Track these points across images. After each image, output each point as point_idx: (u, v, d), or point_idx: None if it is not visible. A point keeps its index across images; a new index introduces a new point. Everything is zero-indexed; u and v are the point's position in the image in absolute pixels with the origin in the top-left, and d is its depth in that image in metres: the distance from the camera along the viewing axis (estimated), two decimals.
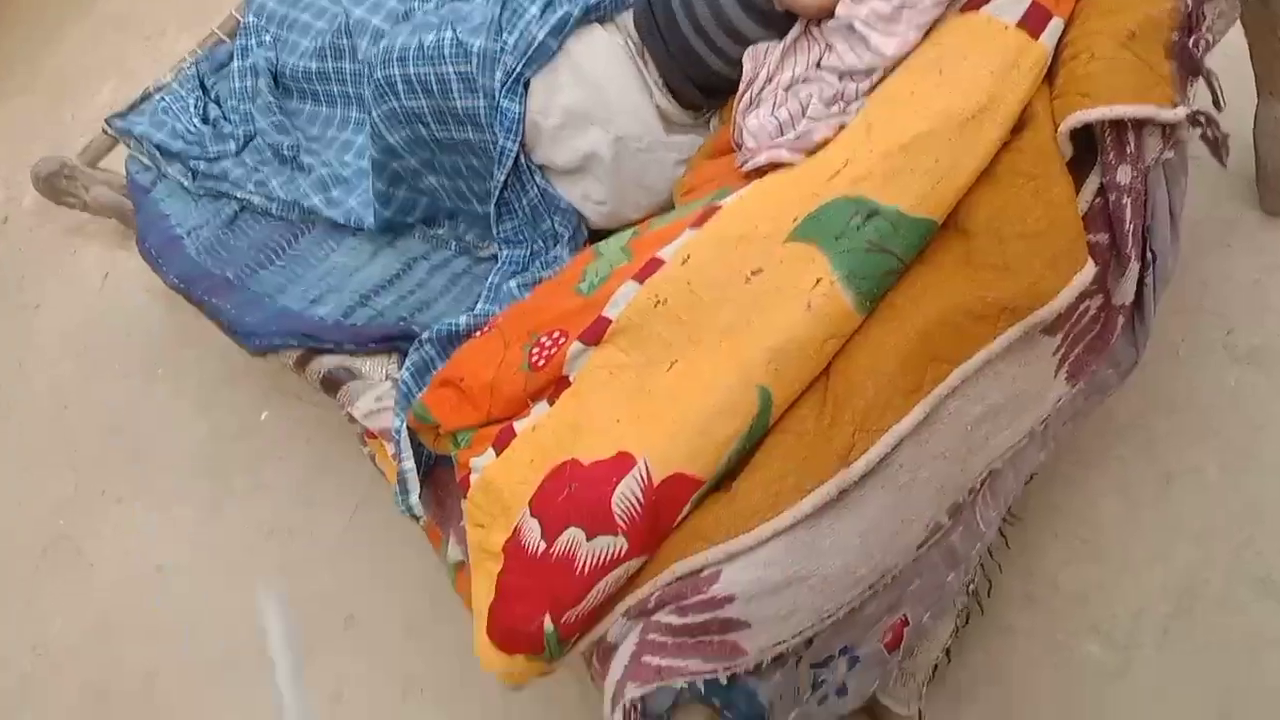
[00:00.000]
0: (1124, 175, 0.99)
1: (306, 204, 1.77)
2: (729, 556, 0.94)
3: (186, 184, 1.93)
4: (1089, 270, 0.97)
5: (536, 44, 1.27)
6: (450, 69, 1.35)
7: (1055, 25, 1.04)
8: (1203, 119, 0.99)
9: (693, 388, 0.98)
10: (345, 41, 1.82)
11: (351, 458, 1.80)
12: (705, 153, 1.27)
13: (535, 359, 1.09)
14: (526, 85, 1.29)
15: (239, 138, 1.93)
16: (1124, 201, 0.99)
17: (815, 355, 0.97)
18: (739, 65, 1.20)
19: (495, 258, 1.56)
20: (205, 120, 1.99)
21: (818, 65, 1.13)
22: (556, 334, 1.09)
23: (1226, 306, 1.40)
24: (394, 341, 1.52)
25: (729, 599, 0.92)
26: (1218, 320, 1.40)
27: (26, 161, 2.24)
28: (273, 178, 1.84)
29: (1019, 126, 1.04)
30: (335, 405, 1.50)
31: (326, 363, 1.52)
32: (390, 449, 1.26)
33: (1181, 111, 0.97)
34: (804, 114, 1.10)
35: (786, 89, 1.14)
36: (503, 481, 1.03)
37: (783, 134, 1.11)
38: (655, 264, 1.06)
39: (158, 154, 1.97)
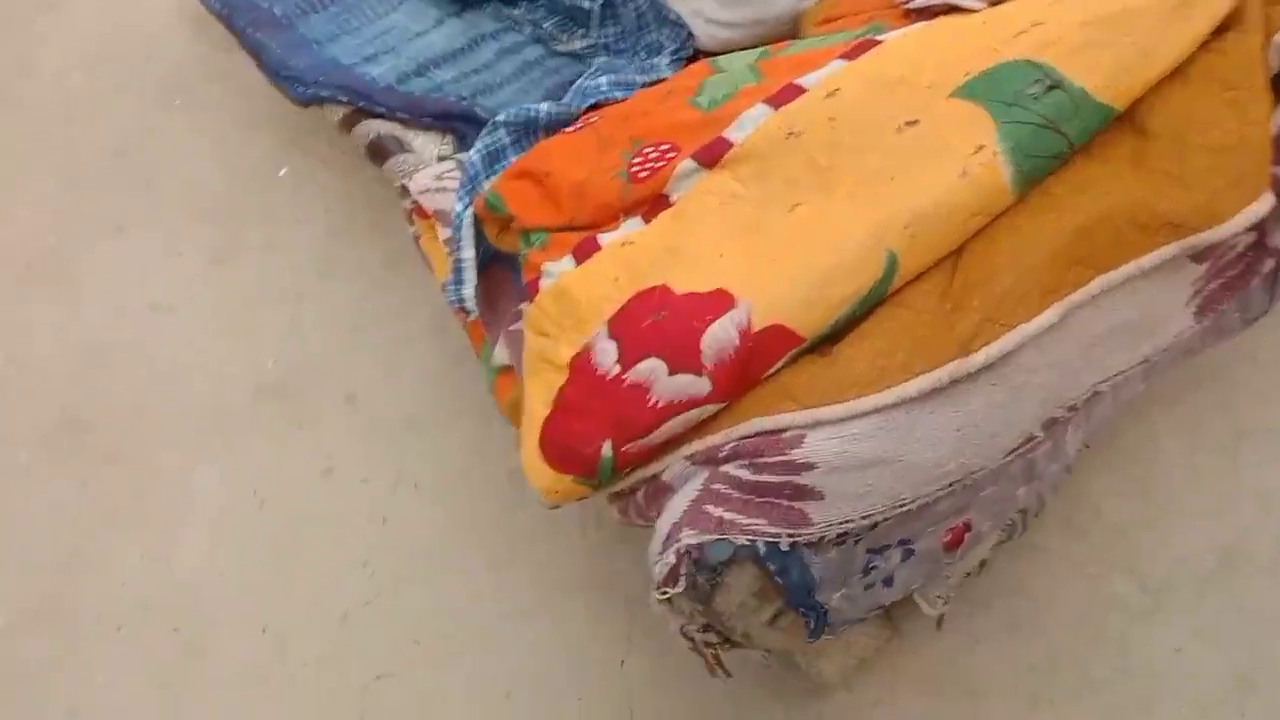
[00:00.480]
0: None
1: None
2: (816, 423, 0.87)
3: None
4: (1267, 201, 0.89)
5: None
6: None
7: None
8: None
9: (815, 236, 0.89)
10: None
11: (374, 231, 1.71)
12: None
13: (636, 169, 0.98)
14: None
15: None
16: None
17: (958, 228, 0.88)
18: None
19: (575, 56, 1.43)
20: None
21: None
22: (666, 147, 0.99)
23: None
24: (453, 120, 1.40)
25: (808, 466, 0.85)
26: None
27: None
28: None
29: (1225, 25, 0.93)
30: (362, 174, 1.39)
31: (377, 127, 1.40)
32: (444, 233, 1.16)
33: None
34: None
35: None
36: (581, 293, 0.94)
37: None
38: (794, 90, 0.95)
39: None
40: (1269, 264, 0.97)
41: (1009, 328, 0.86)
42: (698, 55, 1.29)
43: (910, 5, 1.01)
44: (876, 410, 0.86)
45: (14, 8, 2.24)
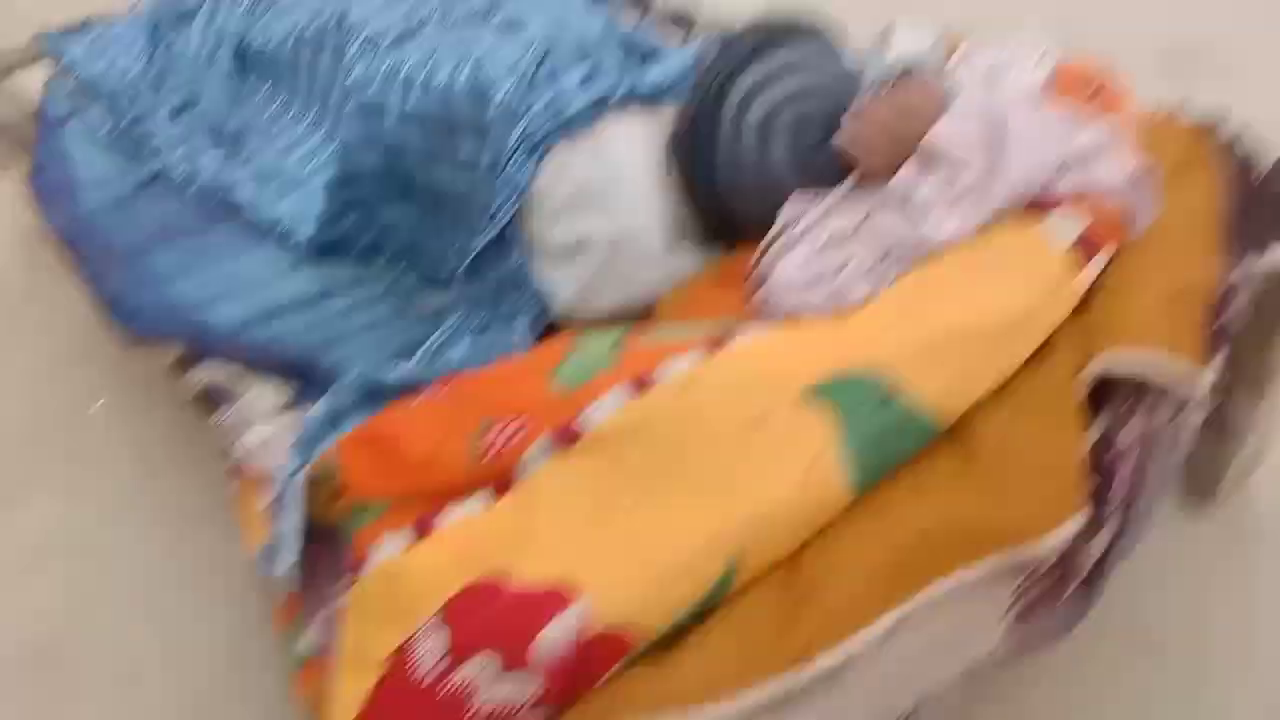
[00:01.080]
0: (1130, 433, 0.96)
1: (233, 196, 1.60)
2: None
3: (104, 131, 1.73)
4: (1079, 519, 0.93)
5: (569, 115, 1.17)
6: (463, 111, 1.24)
7: (1101, 260, 1.02)
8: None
9: (659, 533, 0.87)
10: (330, 38, 1.69)
11: (185, 479, 1.60)
12: (711, 278, 1.18)
13: (488, 446, 0.96)
14: (543, 154, 1.19)
15: (180, 99, 1.75)
16: (1122, 459, 0.96)
17: (798, 532, 0.88)
18: (767, 216, 1.13)
19: (431, 316, 1.43)
20: (148, 67, 1.80)
21: (865, 223, 1.08)
22: (519, 425, 0.97)
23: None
24: (295, 371, 1.36)
25: None
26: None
27: None
28: (203, 154, 1.68)
29: (1043, 351, 1.00)
30: (186, 413, 1.31)
31: (210, 375, 1.34)
32: (262, 500, 1.09)
33: (1209, 378, 0.95)
34: (841, 272, 1.04)
35: (826, 242, 1.07)
36: (415, 576, 0.89)
37: (814, 287, 1.04)
38: (646, 383, 0.96)
39: (84, 89, 1.78)
40: (1078, 578, 1.00)
41: (841, 640, 0.85)
42: (556, 324, 1.29)
43: (765, 312, 1.05)
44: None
45: None
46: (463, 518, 0.93)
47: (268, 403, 1.34)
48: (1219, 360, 1.00)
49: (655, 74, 1.25)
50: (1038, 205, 1.04)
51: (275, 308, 1.47)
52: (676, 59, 1.28)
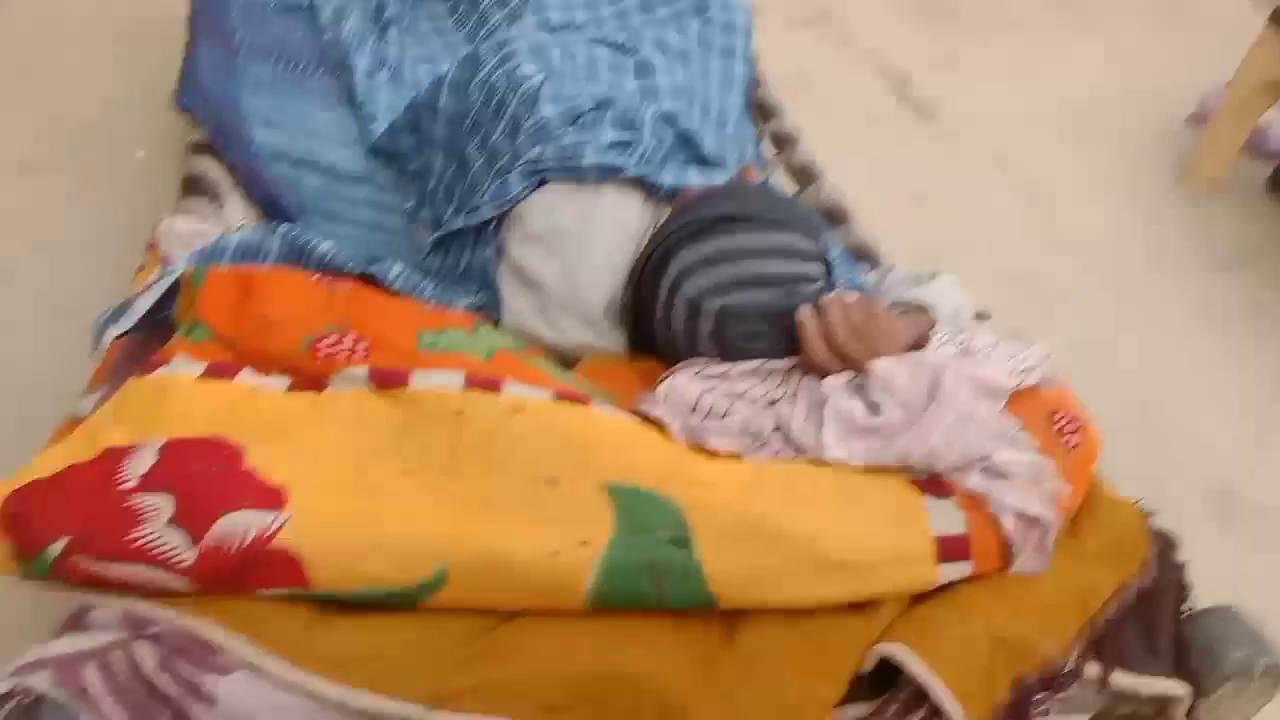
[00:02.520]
0: None
1: (352, 60, 1.66)
2: (254, 668, 0.78)
3: None
4: None
5: (578, 165, 1.20)
6: (513, 106, 1.28)
7: (960, 568, 0.97)
8: None
9: (397, 507, 0.84)
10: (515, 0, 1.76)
11: None
12: (626, 361, 1.17)
13: (320, 346, 0.95)
14: (541, 183, 1.21)
15: None
16: None
17: (520, 592, 0.84)
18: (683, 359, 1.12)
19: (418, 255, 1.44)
20: None
21: (772, 403, 1.05)
22: (361, 345, 0.96)
23: None
24: (274, 206, 1.40)
25: (210, 700, 0.76)
26: None
27: None
28: (353, 17, 1.74)
29: (856, 606, 0.95)
30: None
31: (208, 167, 1.38)
32: (152, 275, 1.10)
33: None
34: (720, 418, 1.01)
35: (725, 389, 1.05)
36: (175, 400, 0.87)
37: (692, 414, 1.02)
38: (493, 384, 0.94)
39: None
40: None
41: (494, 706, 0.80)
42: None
43: (637, 405, 1.03)
44: (323, 701, 0.78)
45: None
46: (251, 384, 0.92)
47: (238, 218, 1.38)
48: None
49: (686, 177, 1.25)
50: (936, 482, 0.99)
51: (310, 161, 1.51)
52: (717, 176, 1.28)
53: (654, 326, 1.14)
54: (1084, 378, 1.20)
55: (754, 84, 1.86)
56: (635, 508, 0.88)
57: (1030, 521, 0.99)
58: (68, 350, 1.13)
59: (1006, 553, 0.99)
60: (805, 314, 1.08)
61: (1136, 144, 2.78)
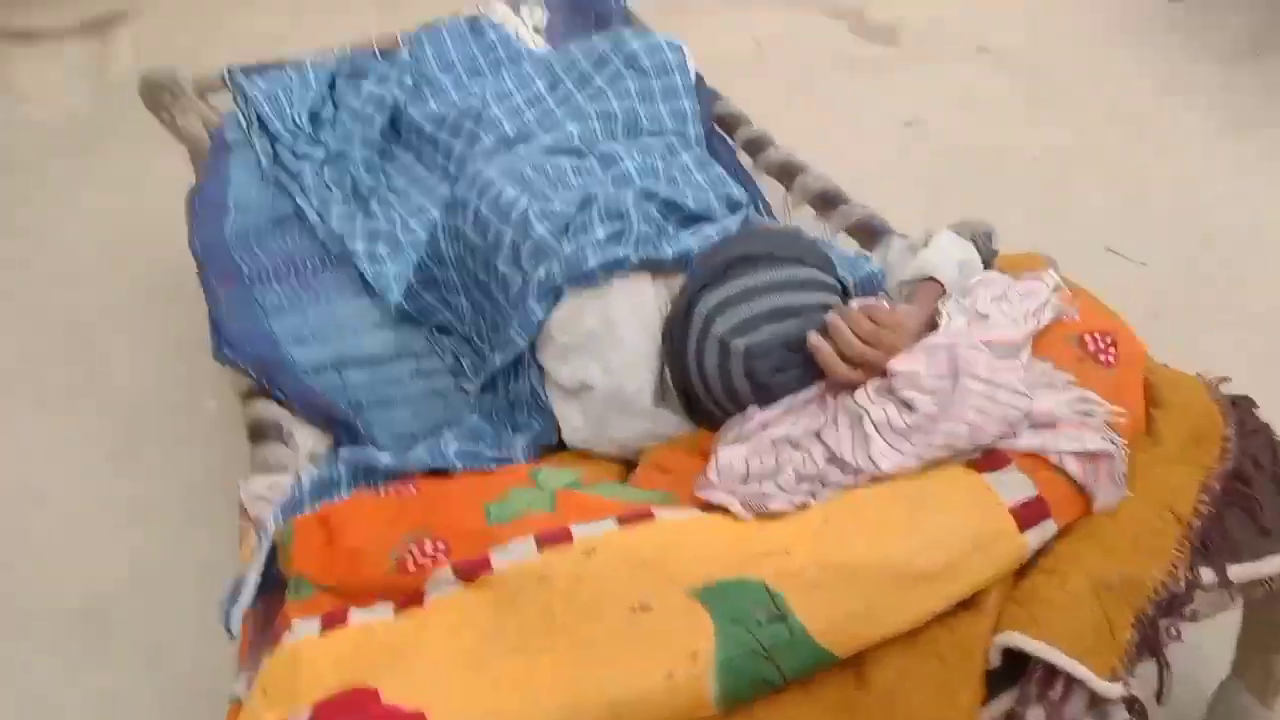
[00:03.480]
0: (1034, 717, 0.93)
1: (349, 246, 1.76)
2: None
3: (264, 163, 1.94)
4: None
5: (583, 270, 1.25)
6: (509, 234, 1.34)
7: (1046, 527, 1.00)
8: (1136, 706, 0.94)
9: (520, 689, 0.92)
10: (468, 125, 1.84)
11: None
12: (686, 444, 1.23)
13: (407, 559, 1.04)
14: (559, 295, 1.27)
15: (330, 152, 1.95)
16: None
17: None
18: (731, 412, 1.17)
19: (471, 400, 1.53)
20: (313, 118, 2.01)
21: (816, 435, 1.09)
22: (441, 546, 1.05)
23: None
24: (335, 425, 1.49)
25: None
26: None
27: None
28: (335, 204, 1.84)
29: (964, 604, 0.98)
30: None
31: (266, 410, 1.49)
32: (252, 540, 1.21)
33: (1117, 690, 0.91)
34: (775, 476, 1.06)
35: (774, 441, 1.09)
36: (306, 667, 0.97)
37: (746, 482, 1.07)
38: (564, 535, 1.02)
39: (256, 123, 1.99)
40: None
41: None
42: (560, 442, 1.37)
43: (697, 492, 1.09)
44: None
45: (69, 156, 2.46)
46: (361, 623, 1.01)
47: (309, 445, 1.48)
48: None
49: (685, 242, 1.30)
50: (992, 456, 1.02)
51: (350, 358, 1.61)
52: (716, 230, 1.33)
53: (694, 388, 1.20)
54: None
55: (710, 104, 1.91)
56: (725, 602, 0.94)
57: (1093, 456, 1.01)
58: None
59: (1084, 496, 1.01)
60: (815, 340, 1.13)
61: None
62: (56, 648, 1.60)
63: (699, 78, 1.88)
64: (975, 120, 2.51)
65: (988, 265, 1.34)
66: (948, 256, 1.26)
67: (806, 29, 2.90)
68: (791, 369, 1.15)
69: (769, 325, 1.14)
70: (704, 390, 1.19)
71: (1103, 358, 1.09)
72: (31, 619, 1.64)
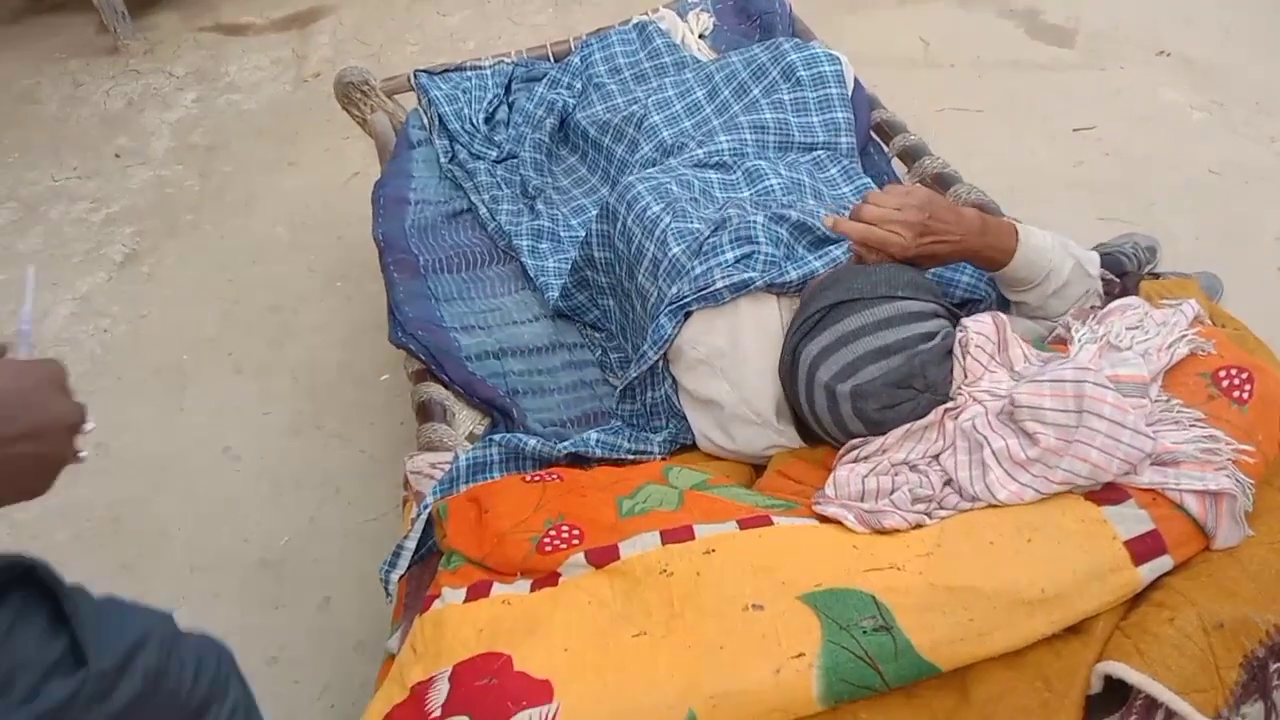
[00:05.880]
0: None
1: (515, 242, 1.89)
2: None
3: (443, 160, 2.09)
4: None
5: (711, 290, 1.32)
6: (650, 249, 1.43)
7: (1162, 562, 1.01)
8: None
9: (640, 670, 1.01)
10: (630, 132, 1.93)
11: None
12: (813, 456, 1.29)
13: (545, 542, 1.14)
14: (689, 314, 1.35)
15: (503, 151, 2.07)
16: None
17: (758, 716, 0.98)
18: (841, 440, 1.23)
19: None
20: (489, 119, 2.15)
21: (935, 458, 1.13)
22: (576, 532, 1.15)
23: None
24: (494, 408, 1.62)
25: None
26: None
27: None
28: (505, 202, 1.97)
29: (1072, 629, 1.01)
30: None
31: (433, 391, 1.63)
32: (413, 512, 1.34)
33: None
34: (890, 495, 1.11)
35: (893, 464, 1.14)
36: (451, 630, 1.09)
37: (862, 500, 1.12)
38: (687, 533, 1.10)
39: (437, 122, 2.14)
40: None
41: None
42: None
43: (815, 505, 1.14)
44: None
45: (271, 149, 2.69)
46: (502, 595, 1.12)
47: (469, 426, 1.62)
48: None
49: (810, 265, 1.35)
50: (1111, 489, 1.04)
51: (508, 348, 1.74)
52: (842, 251, 1.37)
53: (811, 424, 1.26)
54: None
55: (868, 113, 1.93)
56: (834, 608, 1.00)
57: (1215, 495, 1.02)
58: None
59: (1203, 534, 1.02)
60: (830, 219, 1.28)
61: None
62: (240, 589, 1.80)
63: (858, 83, 1.92)
64: (1150, 129, 2.43)
65: (1138, 280, 1.34)
66: (1054, 237, 1.29)
67: (977, 29, 2.85)
68: (902, 403, 1.18)
69: (870, 366, 1.17)
70: (820, 428, 1.25)
71: (1236, 394, 1.09)
72: (223, 561, 1.84)
